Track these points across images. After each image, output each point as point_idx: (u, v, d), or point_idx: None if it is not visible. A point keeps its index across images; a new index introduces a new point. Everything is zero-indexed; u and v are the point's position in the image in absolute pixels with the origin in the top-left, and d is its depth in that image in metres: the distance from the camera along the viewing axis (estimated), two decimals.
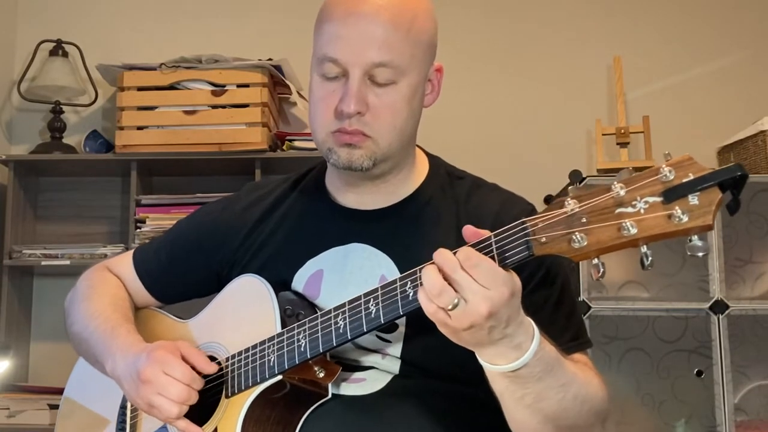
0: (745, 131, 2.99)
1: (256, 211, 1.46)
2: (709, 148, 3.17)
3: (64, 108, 3.24)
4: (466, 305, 1.02)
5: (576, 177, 2.73)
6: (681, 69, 3.32)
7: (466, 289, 1.02)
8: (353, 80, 1.27)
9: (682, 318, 2.68)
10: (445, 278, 1.03)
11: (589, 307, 2.64)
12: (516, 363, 1.08)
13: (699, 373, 2.66)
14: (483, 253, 1.06)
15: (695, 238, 0.95)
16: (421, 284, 1.06)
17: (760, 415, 2.66)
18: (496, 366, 1.09)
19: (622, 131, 3.04)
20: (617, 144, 3.06)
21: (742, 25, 3.35)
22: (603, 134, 3.08)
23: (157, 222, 2.98)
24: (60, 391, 1.63)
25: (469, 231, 1.09)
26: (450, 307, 1.03)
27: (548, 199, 3.08)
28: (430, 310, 1.05)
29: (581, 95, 3.31)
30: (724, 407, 2.63)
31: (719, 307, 2.67)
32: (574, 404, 1.17)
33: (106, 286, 1.54)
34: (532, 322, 1.10)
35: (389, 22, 1.26)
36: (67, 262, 3.01)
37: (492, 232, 1.08)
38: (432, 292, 1.04)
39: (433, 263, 1.05)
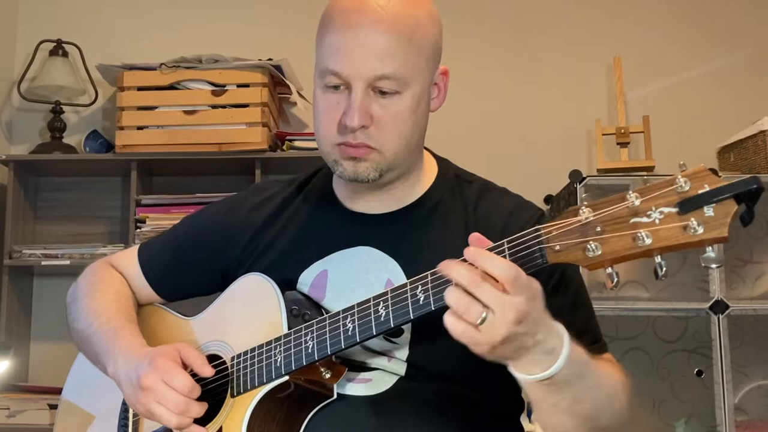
0: (745, 131, 2.99)
1: (262, 213, 1.45)
2: (709, 148, 3.17)
3: (64, 108, 3.24)
4: (494, 316, 1.00)
5: (576, 177, 2.74)
6: (681, 69, 3.33)
7: (491, 300, 0.99)
8: (356, 94, 1.25)
9: (682, 318, 2.69)
10: (467, 291, 1.00)
11: None
12: (552, 369, 1.06)
13: (699, 373, 2.66)
14: None
15: (709, 249, 0.95)
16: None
17: (760, 415, 2.66)
18: (532, 375, 1.07)
19: (622, 131, 3.04)
20: (617, 144, 3.06)
21: (742, 26, 3.35)
22: (603, 134, 3.08)
23: (157, 222, 2.97)
24: (60, 391, 1.63)
25: (474, 238, 1.08)
26: (479, 321, 0.99)
27: (548, 199, 3.09)
28: (458, 330, 1.01)
29: (581, 95, 3.31)
30: (724, 407, 2.63)
31: (719, 307, 2.68)
32: (607, 402, 1.17)
33: (110, 283, 1.52)
34: (561, 325, 1.08)
35: (390, 33, 1.24)
36: (67, 262, 3.01)
37: (501, 236, 1.07)
38: (459, 310, 1.00)
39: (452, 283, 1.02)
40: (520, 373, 1.08)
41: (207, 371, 1.28)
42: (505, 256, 1.05)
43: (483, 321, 0.99)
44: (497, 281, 1.00)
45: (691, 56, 3.33)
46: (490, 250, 1.06)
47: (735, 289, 2.70)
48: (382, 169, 1.29)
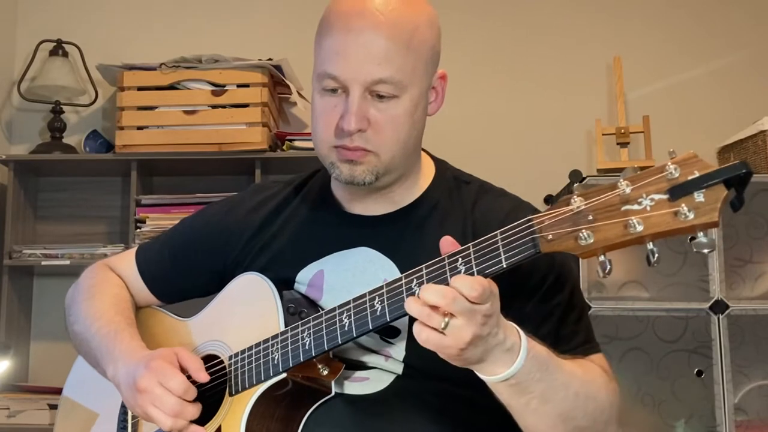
0: (745, 131, 2.99)
1: (260, 213, 1.46)
2: (709, 148, 3.17)
3: (64, 108, 3.24)
4: (456, 319, 1.04)
5: (576, 177, 2.74)
6: (681, 69, 3.33)
7: (451, 305, 1.03)
8: (353, 97, 1.26)
9: (682, 318, 2.68)
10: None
11: (589, 307, 2.64)
12: (514, 366, 1.09)
13: (699, 373, 2.66)
14: (488, 251, 1.07)
15: (701, 234, 0.96)
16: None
17: (760, 415, 2.66)
18: (497, 376, 1.10)
19: (622, 131, 3.04)
20: (617, 144, 3.06)
21: (742, 26, 3.35)
22: (603, 134, 3.08)
23: (157, 222, 2.97)
24: (60, 391, 1.63)
25: (445, 242, 1.12)
26: (443, 325, 1.04)
27: (548, 200, 3.08)
28: (422, 336, 1.06)
29: (581, 95, 3.31)
30: (724, 407, 2.63)
31: (719, 307, 2.67)
32: (577, 402, 1.17)
33: (109, 285, 1.53)
34: (514, 324, 1.12)
35: (389, 37, 1.25)
36: (67, 262, 3.00)
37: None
38: (422, 317, 1.05)
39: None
40: (486, 375, 1.11)
41: (202, 376, 1.29)
42: (498, 247, 1.07)
43: (446, 326, 1.03)
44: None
45: (691, 56, 3.33)
46: (484, 240, 1.08)
47: (735, 289, 2.70)
48: (378, 172, 1.30)
